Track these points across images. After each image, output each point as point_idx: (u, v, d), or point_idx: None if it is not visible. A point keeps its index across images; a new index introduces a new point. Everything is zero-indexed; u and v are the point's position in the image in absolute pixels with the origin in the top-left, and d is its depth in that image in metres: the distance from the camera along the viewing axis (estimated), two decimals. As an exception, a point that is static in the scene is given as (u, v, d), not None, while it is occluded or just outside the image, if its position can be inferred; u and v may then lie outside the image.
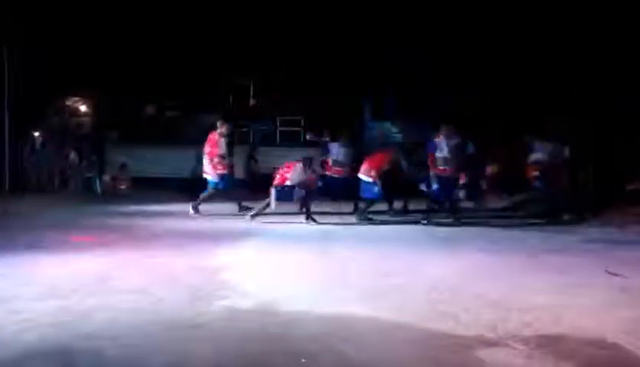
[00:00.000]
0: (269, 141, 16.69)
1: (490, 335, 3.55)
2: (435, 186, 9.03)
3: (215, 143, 9.68)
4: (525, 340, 3.44)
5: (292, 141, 15.91)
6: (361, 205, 9.45)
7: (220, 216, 9.35)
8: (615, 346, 3.38)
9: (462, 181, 9.76)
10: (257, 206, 9.13)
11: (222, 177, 9.69)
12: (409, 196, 10.38)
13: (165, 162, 14.52)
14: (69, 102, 17.00)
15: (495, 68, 13.98)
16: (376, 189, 8.97)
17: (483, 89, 14.45)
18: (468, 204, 11.52)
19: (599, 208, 9.88)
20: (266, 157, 15.55)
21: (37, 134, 14.24)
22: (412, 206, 10.28)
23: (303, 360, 3.13)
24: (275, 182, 8.95)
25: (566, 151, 10.18)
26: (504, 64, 13.82)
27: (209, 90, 16.22)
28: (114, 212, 10.08)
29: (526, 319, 3.85)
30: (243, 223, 8.72)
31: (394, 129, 16.59)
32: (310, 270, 5.56)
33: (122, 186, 13.55)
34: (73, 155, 14.20)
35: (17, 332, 3.49)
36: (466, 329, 3.64)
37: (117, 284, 4.74)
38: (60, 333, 3.49)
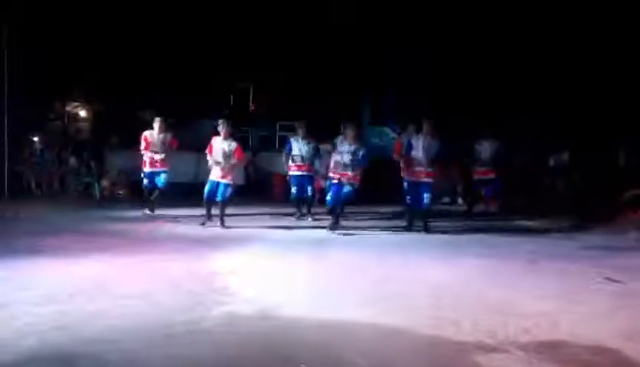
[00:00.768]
0: (268, 145, 16.69)
1: (489, 341, 3.56)
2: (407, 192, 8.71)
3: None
4: (524, 346, 3.45)
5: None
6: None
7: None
8: (614, 352, 3.39)
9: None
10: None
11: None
12: None
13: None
14: (68, 108, 17.03)
15: (494, 67, 14.02)
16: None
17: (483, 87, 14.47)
18: (463, 208, 11.57)
19: (597, 214, 9.90)
20: (265, 162, 15.54)
21: (36, 139, 14.25)
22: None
23: (303, 365, 3.14)
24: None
25: (565, 156, 10.27)
26: (504, 64, 13.88)
27: (208, 95, 16.24)
28: (113, 217, 10.07)
29: (525, 325, 3.86)
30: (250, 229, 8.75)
31: (392, 134, 16.60)
32: (309, 275, 5.57)
33: (121, 192, 13.53)
34: (72, 160, 14.20)
35: (17, 336, 3.50)
36: (465, 335, 3.65)
37: (117, 289, 4.74)
38: (60, 338, 3.49)
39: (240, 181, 15.48)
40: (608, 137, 12.47)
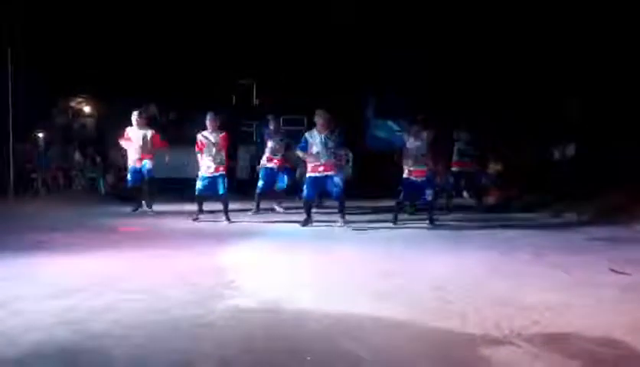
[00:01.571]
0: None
1: (495, 333, 3.55)
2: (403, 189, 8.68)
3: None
4: (530, 338, 3.44)
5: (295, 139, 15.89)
6: None
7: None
8: (621, 344, 3.37)
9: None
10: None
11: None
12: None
13: (168, 163, 14.58)
14: (73, 103, 17.07)
15: (494, 66, 14.00)
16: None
17: (484, 86, 14.45)
18: (471, 201, 11.56)
19: (603, 206, 9.85)
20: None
21: (41, 135, 14.29)
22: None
23: (308, 358, 3.14)
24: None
25: (571, 149, 10.25)
26: (503, 63, 13.86)
27: (211, 90, 16.25)
28: (118, 212, 10.11)
29: (531, 317, 3.85)
30: (245, 223, 8.75)
31: (396, 127, 16.57)
32: (314, 269, 5.57)
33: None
34: (77, 156, 14.25)
35: (23, 331, 3.51)
36: (471, 328, 3.64)
37: (122, 284, 4.75)
38: (66, 333, 3.50)
39: (245, 176, 15.54)
40: (614, 130, 12.40)
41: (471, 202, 11.43)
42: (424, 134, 8.64)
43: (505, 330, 3.58)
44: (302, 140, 8.55)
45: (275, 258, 6.20)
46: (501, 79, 14.04)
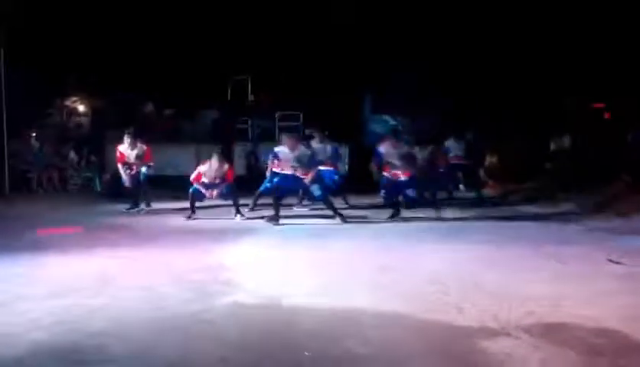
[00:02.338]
0: (268, 136, 16.66)
1: (492, 325, 3.56)
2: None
3: None
4: (527, 329, 3.45)
5: None
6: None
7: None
8: (617, 333, 3.40)
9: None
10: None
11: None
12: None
13: (165, 160, 14.55)
14: (67, 102, 16.98)
15: (494, 66, 14.05)
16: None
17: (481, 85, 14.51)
18: (468, 194, 11.59)
19: (600, 197, 9.88)
20: (265, 152, 15.51)
21: (35, 134, 14.23)
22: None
23: (307, 353, 3.15)
24: (192, 178, 8.97)
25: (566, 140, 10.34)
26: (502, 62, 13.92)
27: (207, 87, 16.19)
28: (115, 211, 10.08)
29: (528, 308, 3.86)
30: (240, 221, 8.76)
31: (392, 122, 16.57)
32: (311, 265, 5.57)
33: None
34: (72, 155, 14.19)
35: (24, 331, 3.51)
36: (469, 320, 3.66)
37: (120, 283, 4.76)
38: (65, 332, 3.50)
39: (241, 171, 15.50)
40: (611, 121, 12.49)
41: (469, 195, 11.45)
42: (404, 147, 8.97)
43: (503, 322, 3.60)
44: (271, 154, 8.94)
45: (273, 254, 6.20)
46: (500, 79, 14.09)
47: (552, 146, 14.55)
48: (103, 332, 3.49)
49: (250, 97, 17.87)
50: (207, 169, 8.90)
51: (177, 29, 14.85)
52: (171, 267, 5.37)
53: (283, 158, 8.65)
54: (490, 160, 14.23)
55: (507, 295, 4.22)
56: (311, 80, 15.68)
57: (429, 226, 8.17)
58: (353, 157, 15.13)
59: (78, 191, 13.43)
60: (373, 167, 8.96)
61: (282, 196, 8.77)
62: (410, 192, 8.80)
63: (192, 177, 9.01)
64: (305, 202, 9.99)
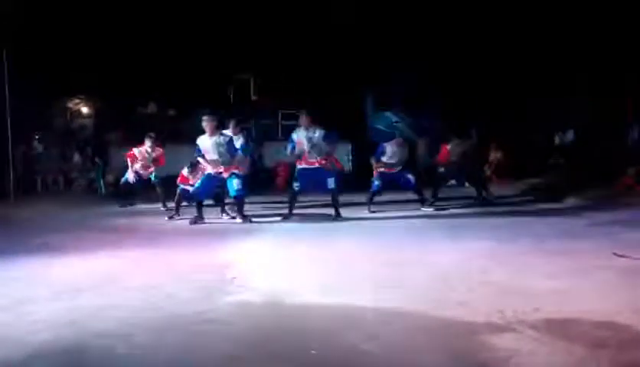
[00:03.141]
0: (270, 135, 16.67)
1: (499, 320, 3.55)
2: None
3: None
4: (534, 324, 3.44)
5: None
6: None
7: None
8: (624, 328, 3.38)
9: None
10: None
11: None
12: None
13: (167, 160, 14.59)
14: (70, 104, 17.03)
15: (494, 66, 14.06)
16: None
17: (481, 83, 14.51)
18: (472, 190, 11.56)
19: (604, 191, 9.85)
20: (268, 151, 15.53)
21: (39, 137, 14.27)
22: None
23: (313, 352, 3.15)
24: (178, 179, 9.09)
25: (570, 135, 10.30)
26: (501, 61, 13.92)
27: (209, 86, 16.20)
28: (119, 212, 10.12)
29: (534, 303, 3.84)
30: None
31: (395, 118, 16.55)
32: (316, 262, 5.57)
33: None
34: (76, 157, 14.24)
35: (29, 332, 3.52)
36: (475, 316, 3.65)
37: (126, 283, 4.77)
38: (71, 332, 3.51)
39: (246, 170, 15.51)
40: (615, 115, 12.46)
41: (473, 192, 11.42)
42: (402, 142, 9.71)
43: (508, 317, 3.58)
44: (289, 139, 8.80)
45: (277, 252, 6.20)
46: (499, 79, 14.08)
47: (556, 140, 14.52)
48: (109, 332, 3.50)
49: (253, 96, 17.87)
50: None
51: (179, 28, 14.85)
52: (175, 267, 5.38)
53: (298, 142, 8.46)
54: (494, 155, 14.21)
55: (512, 290, 4.20)
56: (313, 80, 15.67)
57: (432, 222, 8.17)
58: (356, 155, 15.13)
59: (83, 193, 13.48)
60: (373, 161, 9.49)
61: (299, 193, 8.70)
62: (410, 178, 9.35)
63: (179, 178, 9.11)
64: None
